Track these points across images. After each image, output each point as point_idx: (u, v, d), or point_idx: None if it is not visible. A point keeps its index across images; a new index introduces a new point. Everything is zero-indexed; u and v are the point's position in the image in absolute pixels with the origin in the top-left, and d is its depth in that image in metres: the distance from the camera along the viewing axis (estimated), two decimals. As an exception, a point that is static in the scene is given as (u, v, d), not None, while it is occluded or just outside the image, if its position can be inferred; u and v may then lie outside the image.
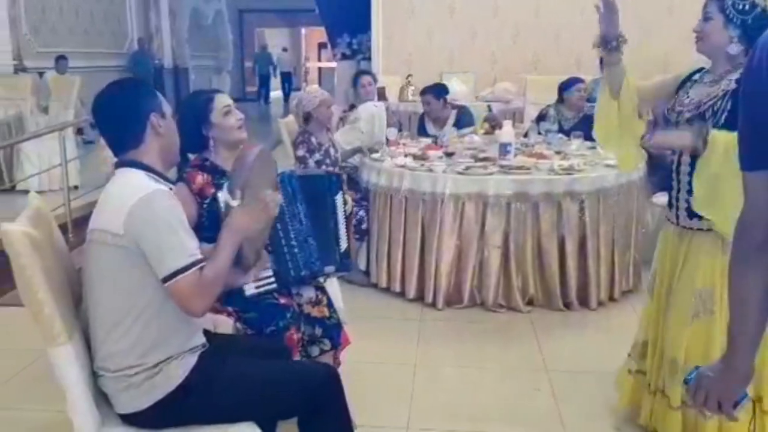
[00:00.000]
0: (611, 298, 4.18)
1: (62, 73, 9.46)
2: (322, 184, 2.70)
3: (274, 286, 2.52)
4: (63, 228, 3.71)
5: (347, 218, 2.83)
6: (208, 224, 2.34)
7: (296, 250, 2.52)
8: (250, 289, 2.44)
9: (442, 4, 8.68)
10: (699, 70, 2.48)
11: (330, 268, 2.65)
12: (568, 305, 4.06)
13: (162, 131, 1.96)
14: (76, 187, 6.48)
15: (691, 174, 2.36)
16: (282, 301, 2.55)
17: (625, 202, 4.19)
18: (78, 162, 6.81)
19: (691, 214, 2.40)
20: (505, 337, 3.78)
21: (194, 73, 16.34)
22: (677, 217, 2.48)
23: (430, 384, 3.26)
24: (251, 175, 2.01)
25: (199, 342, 2.00)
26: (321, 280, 2.74)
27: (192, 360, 1.95)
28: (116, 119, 1.95)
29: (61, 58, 9.82)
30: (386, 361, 3.47)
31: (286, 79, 21.80)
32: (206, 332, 2.10)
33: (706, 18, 2.28)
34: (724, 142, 2.17)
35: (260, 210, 1.99)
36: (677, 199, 2.47)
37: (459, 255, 4.07)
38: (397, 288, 4.28)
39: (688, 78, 2.49)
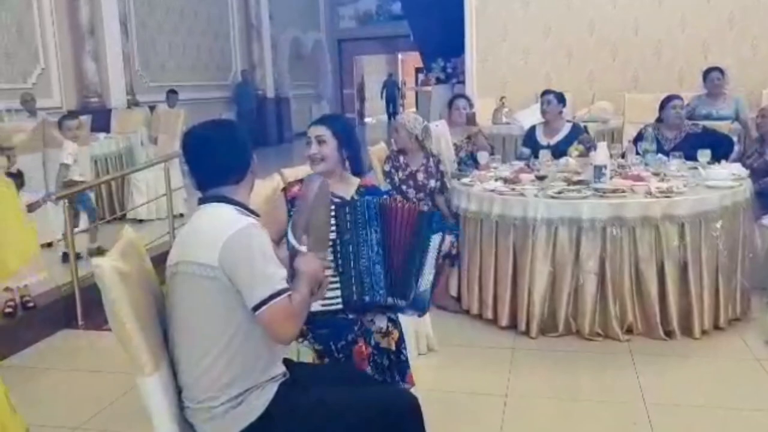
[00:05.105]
0: (716, 327, 3.95)
1: (172, 107, 9.96)
2: (421, 218, 2.58)
3: (340, 306, 2.53)
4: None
5: (442, 261, 2.66)
6: None
7: (363, 275, 2.52)
8: (315, 306, 2.40)
9: (537, 25, 8.58)
10: None
11: (400, 302, 2.55)
12: (669, 334, 3.86)
13: (254, 169, 2.11)
14: (181, 215, 6.76)
15: None
16: (350, 317, 2.56)
17: (729, 225, 3.97)
18: (184, 191, 7.10)
19: None
20: (602, 367, 3.63)
21: (295, 102, 16.83)
22: None
23: (520, 417, 3.16)
24: (312, 214, 2.06)
25: (279, 371, 2.03)
26: (392, 313, 2.66)
27: (272, 389, 1.98)
28: (225, 156, 2.03)
29: (171, 92, 10.35)
30: (476, 391, 3.40)
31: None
32: (287, 362, 2.13)
33: None
34: None
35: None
36: None
37: (553, 281, 3.96)
38: (489, 315, 4.20)
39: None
